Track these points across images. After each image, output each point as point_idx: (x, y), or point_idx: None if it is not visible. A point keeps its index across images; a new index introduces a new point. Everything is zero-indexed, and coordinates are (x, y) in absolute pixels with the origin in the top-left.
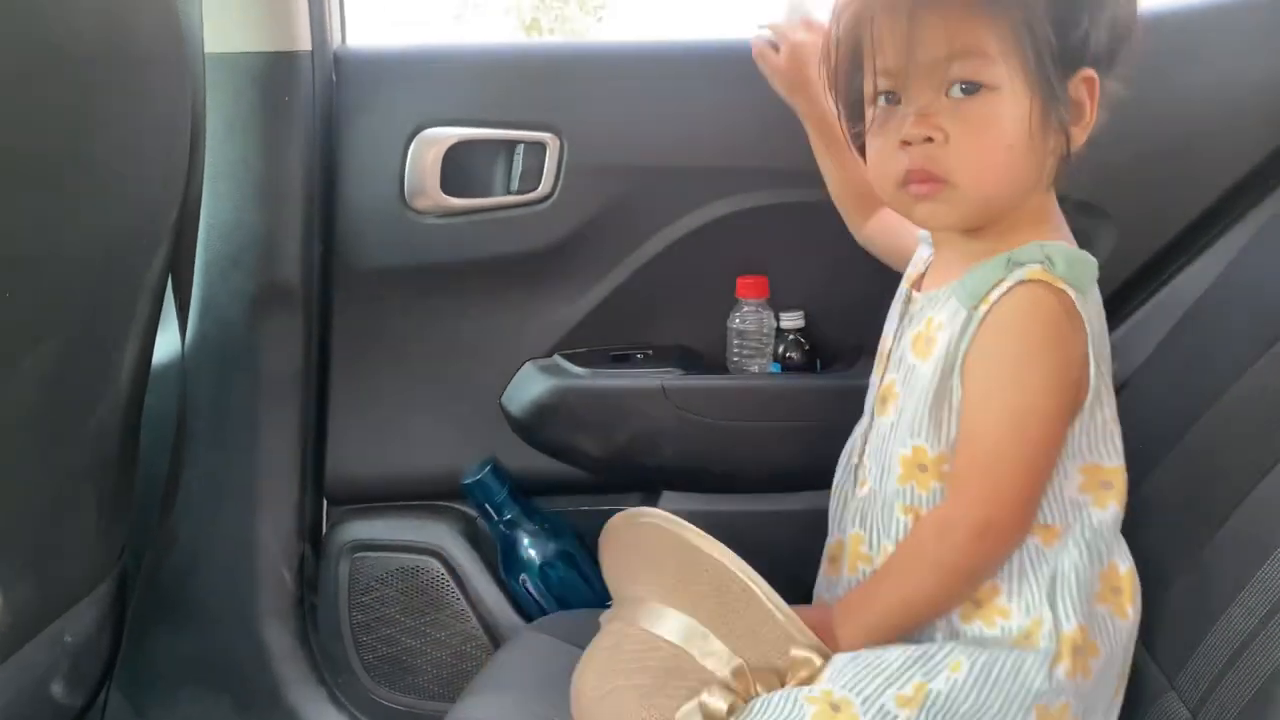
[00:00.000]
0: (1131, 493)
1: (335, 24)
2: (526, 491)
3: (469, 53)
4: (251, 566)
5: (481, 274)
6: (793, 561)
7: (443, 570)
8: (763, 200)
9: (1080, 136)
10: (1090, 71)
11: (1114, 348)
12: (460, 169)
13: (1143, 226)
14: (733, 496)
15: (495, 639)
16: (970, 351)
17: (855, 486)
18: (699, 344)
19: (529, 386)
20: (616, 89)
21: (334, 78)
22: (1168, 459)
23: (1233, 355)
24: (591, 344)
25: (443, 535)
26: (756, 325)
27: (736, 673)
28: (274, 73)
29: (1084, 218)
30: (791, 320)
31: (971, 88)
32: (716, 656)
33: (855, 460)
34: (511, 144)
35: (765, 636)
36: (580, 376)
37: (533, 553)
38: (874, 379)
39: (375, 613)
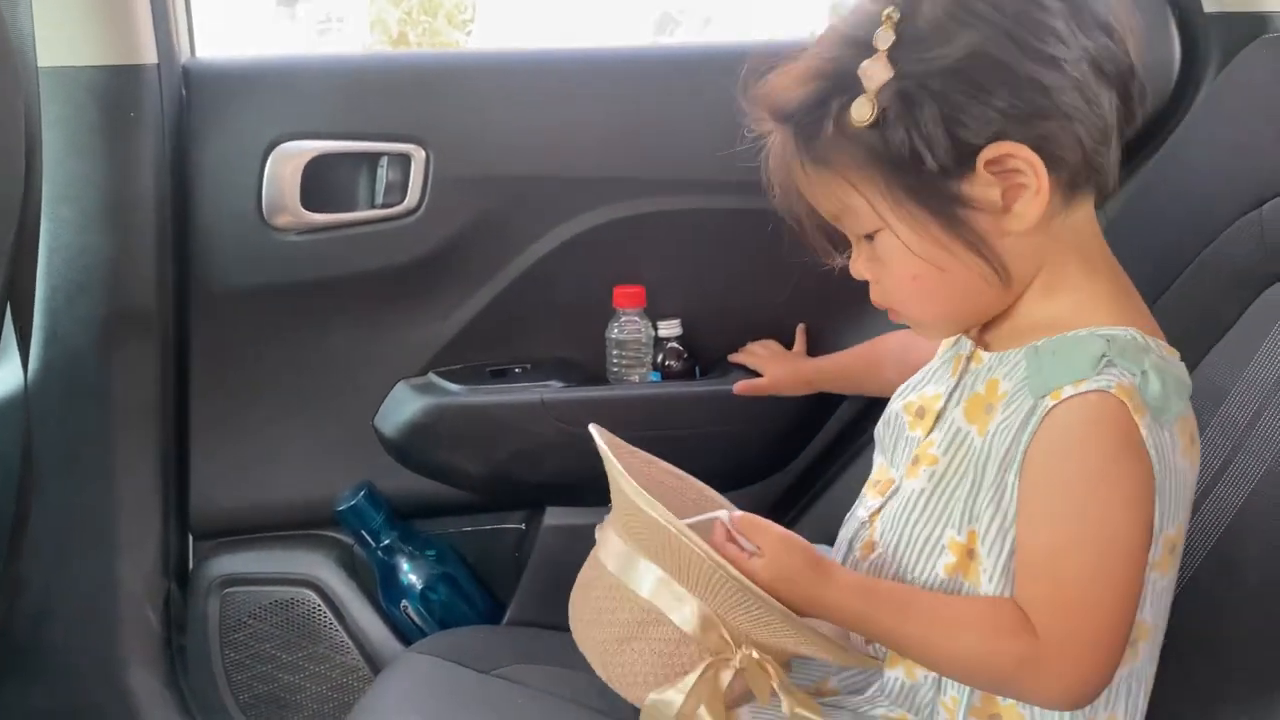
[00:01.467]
0: None
1: (183, 36)
2: (404, 515)
3: (326, 64)
4: (112, 609)
5: (347, 292)
6: None
7: (319, 601)
8: (637, 209)
9: (1027, 208)
10: (998, 150)
11: None
12: (322, 184)
13: None
14: None
15: (378, 669)
16: (1033, 453)
17: (859, 546)
18: (578, 356)
19: (403, 407)
20: (484, 99)
21: (184, 92)
22: None
23: None
24: (467, 360)
25: (318, 565)
26: (635, 335)
27: (704, 623)
28: (118, 87)
29: None
30: (669, 329)
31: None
32: (683, 607)
33: (864, 517)
34: (375, 157)
35: (716, 584)
36: (456, 394)
37: (413, 578)
38: (900, 426)
39: (249, 650)
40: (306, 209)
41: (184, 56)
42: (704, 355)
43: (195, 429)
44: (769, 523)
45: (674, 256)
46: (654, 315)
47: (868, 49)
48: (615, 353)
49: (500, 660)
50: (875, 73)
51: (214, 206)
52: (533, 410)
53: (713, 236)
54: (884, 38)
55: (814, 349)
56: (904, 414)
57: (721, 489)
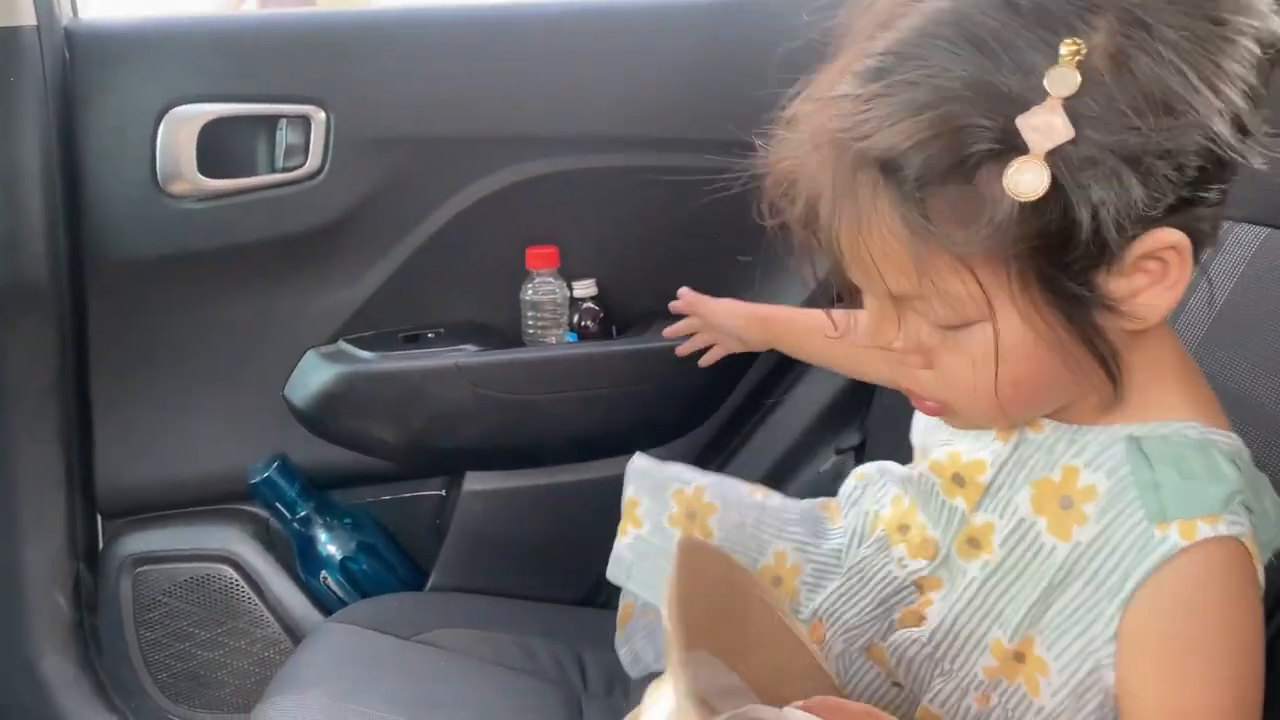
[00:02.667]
0: None
1: None
2: (321, 485)
3: (219, 24)
4: (18, 594)
5: (250, 260)
6: (604, 529)
7: (235, 576)
8: (547, 168)
9: (1159, 300)
10: (1162, 239)
11: None
12: (219, 149)
13: None
14: (539, 471)
15: (300, 641)
16: (1153, 593)
17: (900, 609)
18: (493, 319)
19: (313, 375)
20: (385, 58)
21: (67, 55)
22: None
23: None
24: (378, 326)
25: (233, 540)
26: (549, 296)
27: None
28: None
29: None
30: (584, 289)
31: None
32: None
33: (902, 577)
34: (273, 119)
35: None
36: (368, 361)
37: (332, 548)
38: (930, 487)
39: (165, 628)
40: (204, 175)
41: (66, 18)
42: (620, 315)
43: (98, 406)
44: (846, 703)
45: (587, 215)
46: (568, 276)
47: (1033, 89)
48: (530, 314)
49: (422, 626)
50: (1054, 131)
51: (106, 175)
52: (447, 375)
53: (627, 194)
54: (1065, 80)
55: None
56: (931, 475)
57: (642, 446)
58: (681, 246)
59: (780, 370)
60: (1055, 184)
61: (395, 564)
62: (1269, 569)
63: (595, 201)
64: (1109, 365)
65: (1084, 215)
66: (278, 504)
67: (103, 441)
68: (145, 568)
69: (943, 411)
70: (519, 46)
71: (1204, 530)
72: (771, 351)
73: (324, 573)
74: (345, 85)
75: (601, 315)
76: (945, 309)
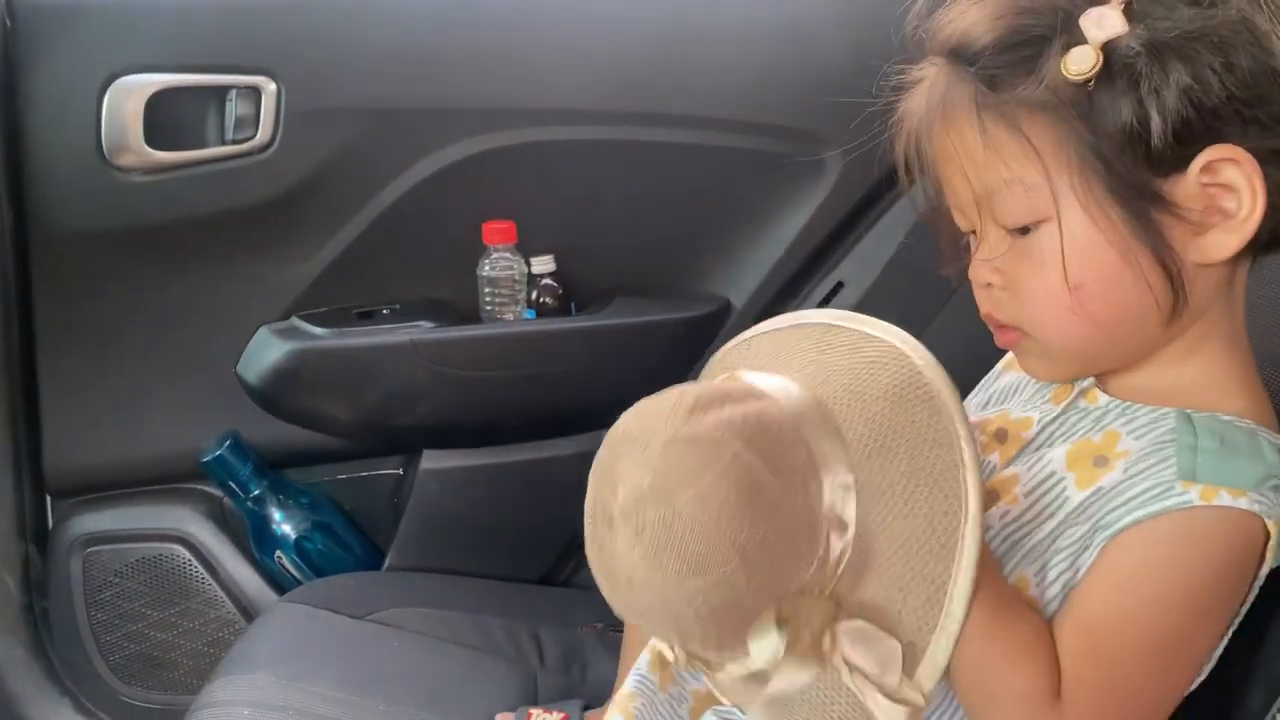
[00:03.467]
0: None
1: None
2: (275, 464)
3: None
4: None
5: (201, 234)
6: (563, 507)
7: (189, 556)
8: (504, 141)
9: (1228, 237)
10: (1223, 152)
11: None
12: (167, 120)
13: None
14: (496, 449)
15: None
16: (1151, 532)
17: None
18: (449, 295)
19: (266, 352)
20: (338, 26)
21: (8, 24)
22: None
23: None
24: (332, 302)
25: (185, 519)
26: (507, 272)
27: None
28: None
29: (811, 145)
30: (543, 264)
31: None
32: None
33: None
34: (223, 90)
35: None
36: (322, 338)
37: (286, 528)
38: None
39: (117, 609)
40: (151, 147)
41: None
42: (579, 291)
43: (45, 383)
44: None
45: (546, 190)
46: (527, 251)
47: None
48: (487, 290)
49: (376, 605)
50: (1108, 22)
51: (49, 147)
52: (403, 352)
53: (586, 169)
54: None
55: (689, 285)
56: (979, 434)
57: (604, 425)
58: (641, 223)
59: None
60: (1108, 73)
61: (351, 543)
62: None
63: (554, 176)
64: (1174, 280)
65: (1133, 103)
66: (230, 482)
67: (50, 420)
68: (96, 548)
69: (1018, 340)
70: (477, 15)
71: (1224, 499)
72: (729, 332)
73: (278, 552)
74: (296, 55)
75: (560, 292)
76: (1017, 202)
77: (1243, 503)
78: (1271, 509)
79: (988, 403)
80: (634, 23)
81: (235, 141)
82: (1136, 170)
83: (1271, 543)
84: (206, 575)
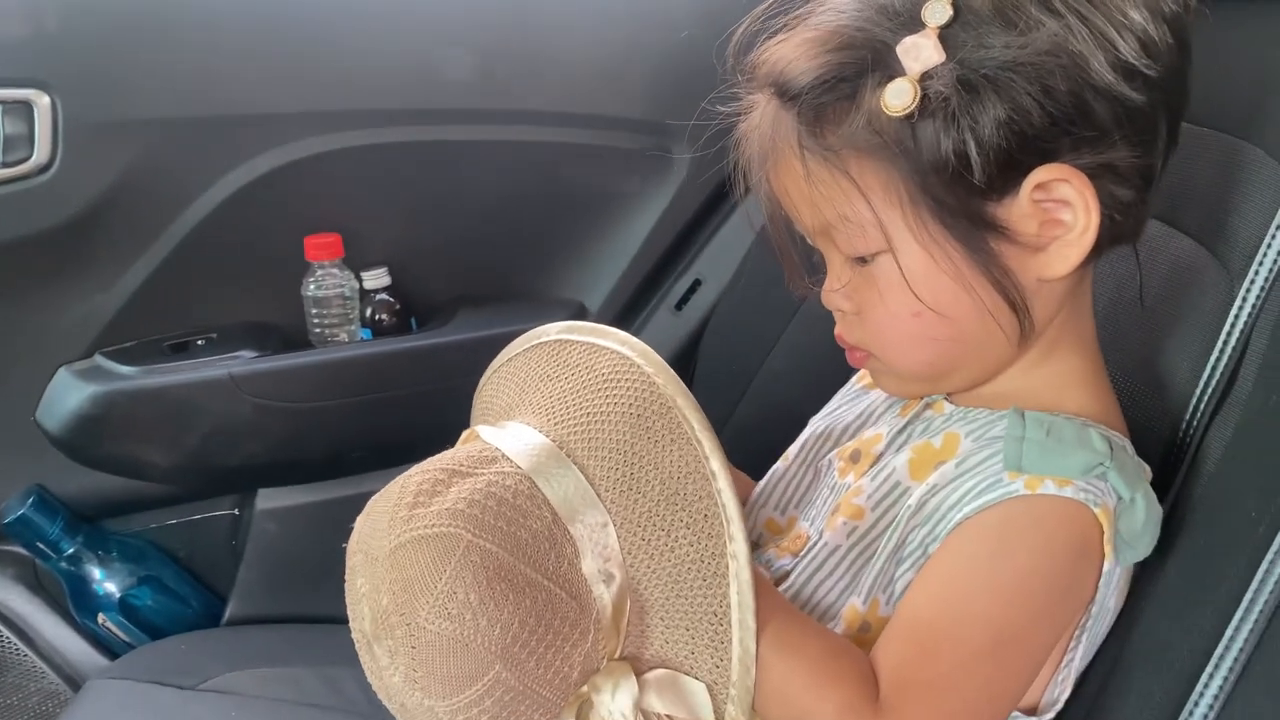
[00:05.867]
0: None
1: None
2: (90, 516)
3: None
4: None
5: None
6: None
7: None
8: (325, 146)
9: (1067, 251)
10: (1052, 172)
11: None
12: None
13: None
14: (339, 482)
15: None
16: (977, 526)
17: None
18: (272, 318)
19: (67, 396)
20: (117, 30)
21: None
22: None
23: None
24: (140, 335)
25: None
26: (336, 289)
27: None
28: None
29: (665, 139)
30: (375, 279)
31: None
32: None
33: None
34: None
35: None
36: (129, 376)
37: (109, 586)
38: (829, 475)
39: None
40: None
41: None
42: (420, 305)
43: None
44: None
45: (375, 198)
46: (356, 266)
47: (912, 23)
48: (315, 311)
49: (210, 671)
50: (923, 53)
51: None
52: (221, 387)
53: (418, 172)
54: (938, 11)
55: (539, 291)
56: (837, 461)
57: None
58: (483, 228)
59: None
60: (927, 106)
61: (186, 594)
62: None
63: (383, 182)
64: (1015, 306)
65: (952, 134)
66: (39, 543)
67: None
68: None
69: (867, 360)
70: (287, 8)
71: (1050, 487)
72: None
73: (101, 615)
74: (71, 64)
75: (398, 307)
76: (852, 237)
77: (1068, 491)
78: (1098, 498)
79: (845, 430)
80: (466, 14)
81: (8, 164)
82: (967, 200)
83: (1106, 535)
84: (22, 646)
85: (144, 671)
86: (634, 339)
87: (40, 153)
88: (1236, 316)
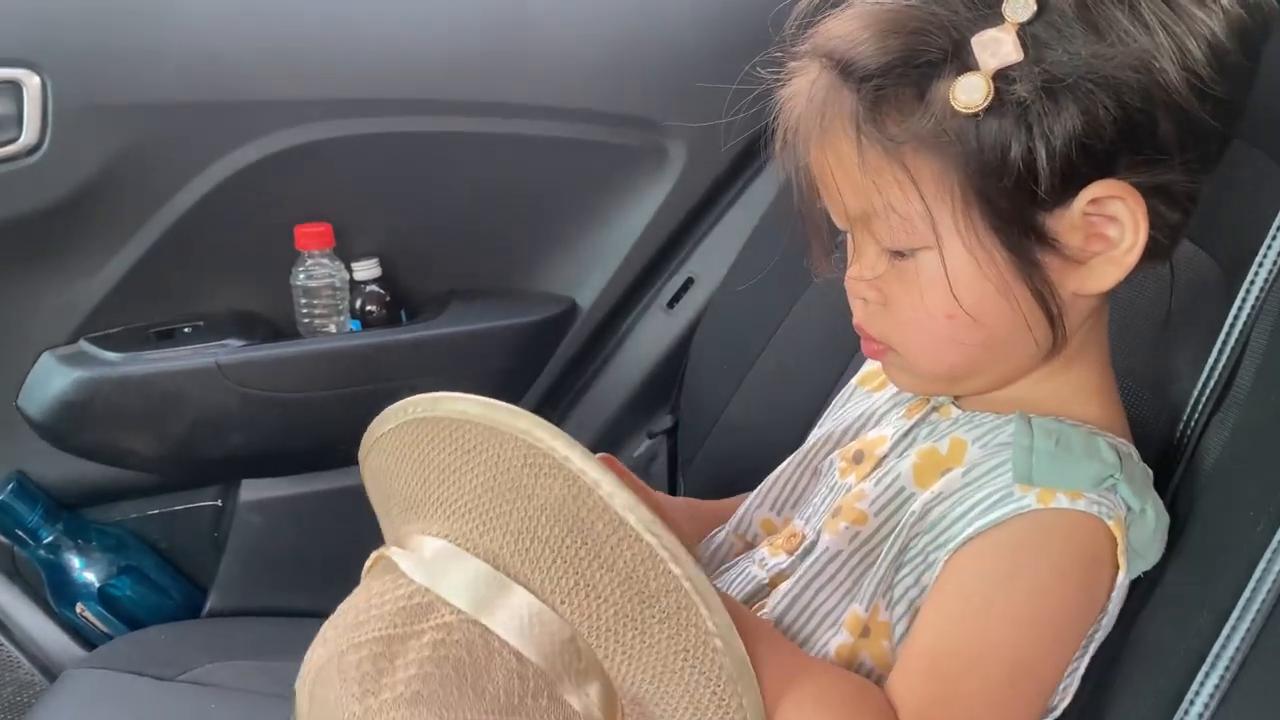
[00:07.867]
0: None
1: None
2: (71, 505)
3: None
4: None
5: None
6: None
7: None
8: (318, 135)
9: (1110, 269)
10: (1109, 188)
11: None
12: None
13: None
14: (324, 474)
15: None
16: (987, 544)
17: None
18: (260, 308)
19: (50, 382)
20: (112, 13)
21: None
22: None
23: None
24: (125, 322)
25: None
26: (326, 280)
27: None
28: None
29: (657, 135)
30: (366, 270)
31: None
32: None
33: (762, 578)
34: None
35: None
36: (114, 363)
37: (89, 575)
38: (829, 474)
39: None
40: None
41: None
42: (410, 297)
43: None
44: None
45: (367, 188)
46: (347, 256)
47: (991, 15)
48: (304, 302)
49: (189, 662)
50: (1001, 49)
51: None
52: (207, 376)
53: (412, 163)
54: (1022, 7)
55: (530, 286)
56: (838, 461)
57: None
58: (476, 221)
59: (587, 354)
60: (998, 106)
61: (167, 585)
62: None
63: (377, 172)
64: (1052, 318)
65: (1022, 139)
66: (18, 530)
67: None
68: None
69: (885, 355)
70: None
71: (1061, 501)
72: (577, 334)
73: (80, 604)
74: (61, 44)
75: (388, 299)
76: (895, 229)
77: (1081, 504)
78: (1111, 510)
79: (846, 431)
80: (460, 5)
81: None
82: (1023, 207)
83: (1120, 547)
84: None
85: (122, 662)
86: (533, 415)
87: (29, 134)
88: (1236, 316)
